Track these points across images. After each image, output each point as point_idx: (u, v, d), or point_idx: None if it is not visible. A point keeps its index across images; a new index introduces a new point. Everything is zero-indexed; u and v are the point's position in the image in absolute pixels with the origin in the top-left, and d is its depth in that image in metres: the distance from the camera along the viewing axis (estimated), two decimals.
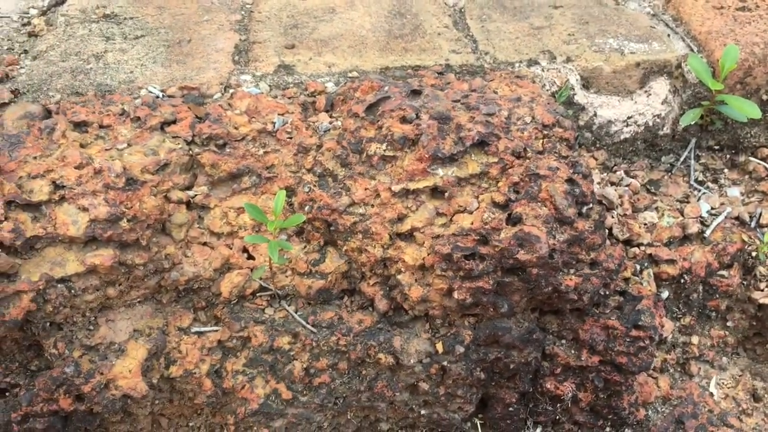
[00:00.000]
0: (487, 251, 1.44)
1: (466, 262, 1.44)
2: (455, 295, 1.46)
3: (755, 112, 1.80)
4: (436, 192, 1.52)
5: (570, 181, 1.49)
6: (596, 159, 1.92)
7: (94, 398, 1.44)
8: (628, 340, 1.55)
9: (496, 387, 1.59)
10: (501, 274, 1.45)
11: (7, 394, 1.48)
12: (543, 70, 1.86)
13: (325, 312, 1.54)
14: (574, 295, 1.48)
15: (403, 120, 1.57)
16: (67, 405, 1.44)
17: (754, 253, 1.79)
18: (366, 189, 1.53)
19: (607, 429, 1.68)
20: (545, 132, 1.59)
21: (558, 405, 1.62)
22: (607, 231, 1.70)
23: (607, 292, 1.55)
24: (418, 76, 1.78)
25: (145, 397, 1.48)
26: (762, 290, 1.78)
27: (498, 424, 1.65)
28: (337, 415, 1.58)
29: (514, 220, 1.46)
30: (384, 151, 1.55)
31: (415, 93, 1.64)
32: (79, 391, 1.44)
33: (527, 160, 1.52)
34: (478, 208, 1.49)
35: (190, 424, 1.64)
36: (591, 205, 1.51)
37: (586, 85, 1.91)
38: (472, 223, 1.46)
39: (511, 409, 1.62)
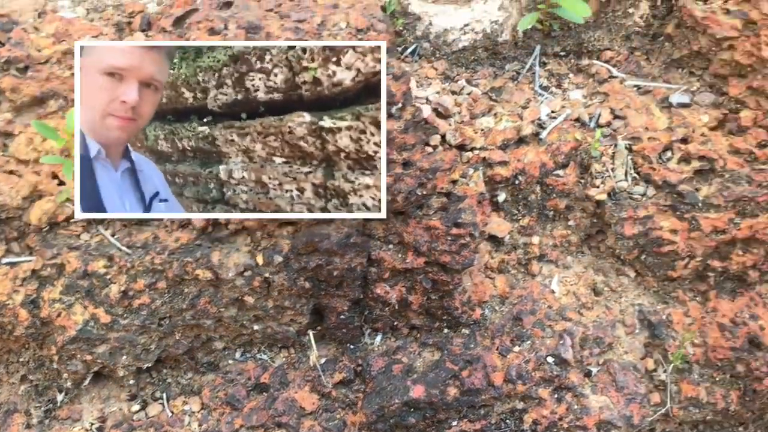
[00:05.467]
0: None
1: None
2: None
3: (585, 10, 1.79)
4: None
5: None
6: (436, 69, 1.90)
7: None
8: (449, 238, 1.55)
9: (326, 296, 1.59)
10: None
11: None
12: None
13: (142, 233, 1.50)
14: (387, 195, 1.47)
15: (212, 31, 1.52)
16: None
17: (591, 152, 1.80)
18: None
19: (445, 330, 1.69)
20: (359, 36, 1.56)
21: (388, 309, 1.63)
22: (440, 137, 1.70)
23: (424, 192, 1.54)
24: None
25: None
26: (597, 187, 1.80)
27: (335, 334, 1.65)
28: (164, 336, 1.56)
29: None
30: None
31: (227, 4, 1.59)
32: None
33: None
34: None
35: (20, 360, 1.60)
36: (401, 105, 1.49)
37: None
38: None
39: (343, 317, 1.62)
